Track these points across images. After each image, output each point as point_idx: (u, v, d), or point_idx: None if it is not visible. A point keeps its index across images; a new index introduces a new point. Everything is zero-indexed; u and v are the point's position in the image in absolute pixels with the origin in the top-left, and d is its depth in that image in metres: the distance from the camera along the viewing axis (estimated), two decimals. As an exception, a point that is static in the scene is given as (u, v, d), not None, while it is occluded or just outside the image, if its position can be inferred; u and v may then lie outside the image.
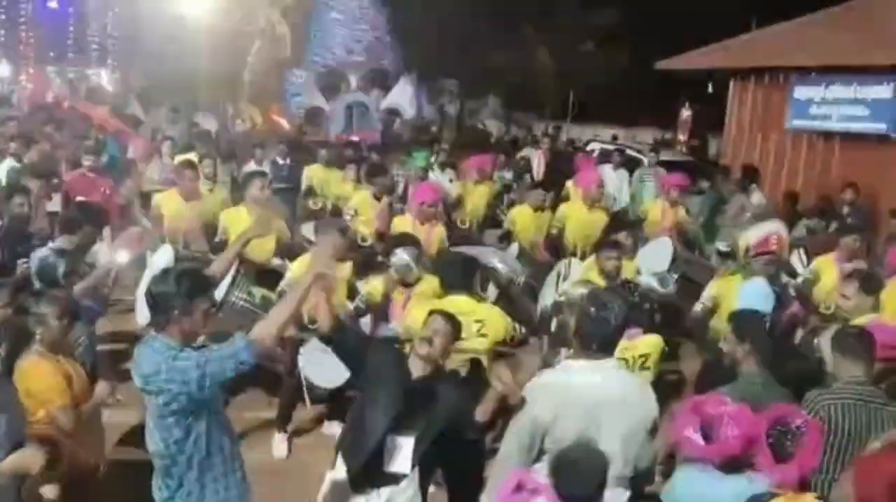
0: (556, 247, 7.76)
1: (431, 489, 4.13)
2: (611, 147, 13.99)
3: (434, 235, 6.76)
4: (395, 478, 3.45)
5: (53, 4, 27.20)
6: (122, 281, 5.65)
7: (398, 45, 17.19)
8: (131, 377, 3.04)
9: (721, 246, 8.48)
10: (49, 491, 3.47)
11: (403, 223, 6.93)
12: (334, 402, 5.48)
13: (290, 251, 6.31)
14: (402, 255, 5.21)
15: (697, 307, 5.71)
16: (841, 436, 3.44)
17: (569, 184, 9.37)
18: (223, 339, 3.03)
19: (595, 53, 25.22)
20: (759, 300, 5.21)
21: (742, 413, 2.81)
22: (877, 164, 10.06)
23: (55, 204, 7.38)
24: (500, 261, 6.54)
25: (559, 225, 7.76)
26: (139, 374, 2.94)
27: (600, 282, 5.29)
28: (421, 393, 3.50)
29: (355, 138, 14.59)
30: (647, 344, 4.58)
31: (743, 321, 3.94)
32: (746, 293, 5.38)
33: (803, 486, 2.73)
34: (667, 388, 5.81)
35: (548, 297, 5.95)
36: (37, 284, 4.48)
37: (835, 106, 10.62)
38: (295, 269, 5.35)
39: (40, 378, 3.61)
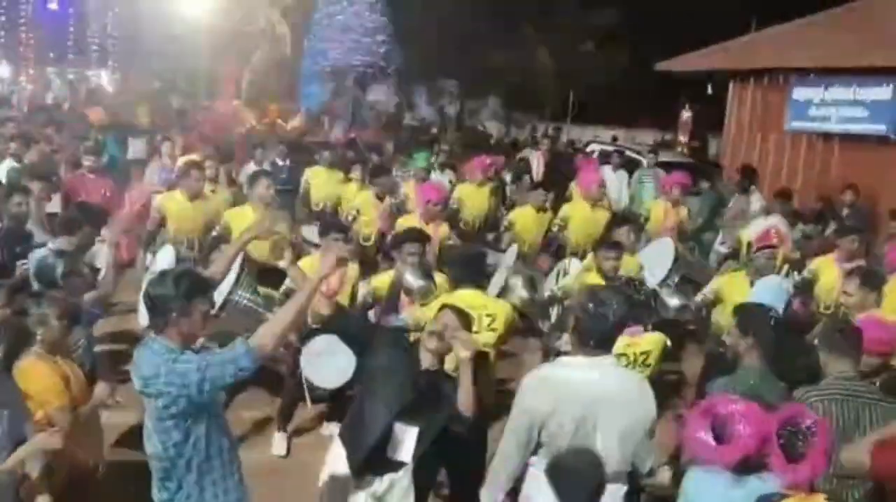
0: (558, 247, 7.77)
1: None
2: (610, 148, 14.00)
3: (439, 235, 6.76)
4: (396, 466, 3.48)
5: (53, 5, 27.18)
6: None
7: (398, 46, 17.19)
8: (130, 378, 3.03)
9: (722, 247, 8.52)
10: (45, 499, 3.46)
11: (409, 223, 6.92)
12: (334, 402, 5.49)
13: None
14: (420, 284, 5.09)
15: (698, 298, 5.72)
16: None
17: (572, 184, 9.40)
18: (226, 339, 3.03)
19: (595, 54, 25.19)
20: (773, 296, 5.21)
21: (752, 409, 2.79)
22: (876, 166, 10.07)
23: (55, 205, 7.37)
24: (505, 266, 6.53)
25: (562, 223, 7.77)
26: (138, 376, 2.93)
27: (599, 281, 5.30)
28: (427, 386, 3.54)
29: (351, 135, 14.60)
30: (649, 341, 4.59)
31: (748, 315, 3.96)
32: (760, 288, 5.39)
33: (812, 487, 2.73)
34: (667, 387, 5.83)
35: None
36: (35, 285, 4.48)
37: (834, 107, 10.64)
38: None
39: (38, 379, 3.60)
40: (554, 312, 5.68)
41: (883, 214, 9.04)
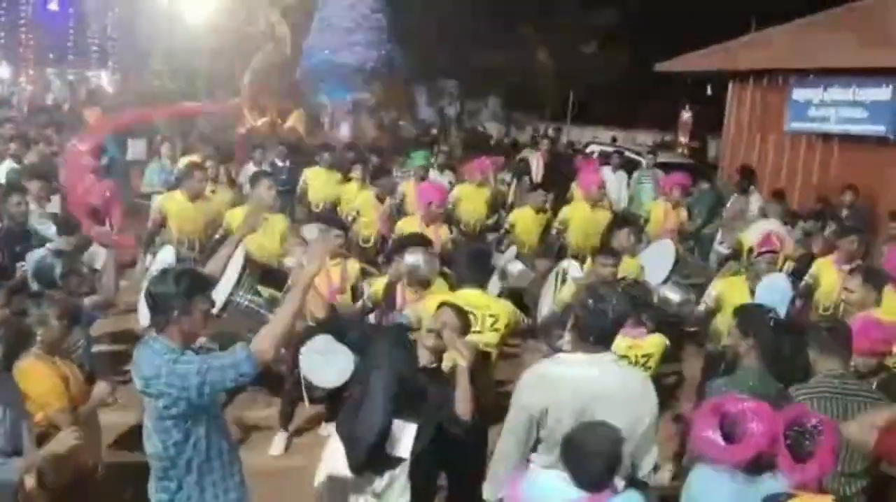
0: (560, 248, 7.77)
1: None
2: (610, 149, 14.02)
3: (440, 236, 6.75)
4: (394, 462, 3.48)
5: (53, 6, 27.23)
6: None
7: (398, 46, 17.19)
8: (130, 378, 3.03)
9: (722, 248, 8.53)
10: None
11: (410, 224, 6.92)
12: (332, 403, 5.48)
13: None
14: (417, 256, 5.13)
15: (700, 307, 5.71)
16: None
17: (573, 185, 9.40)
18: (228, 340, 3.02)
19: (595, 54, 25.18)
20: (777, 295, 5.21)
21: (763, 408, 2.79)
22: (875, 166, 10.07)
23: (54, 206, 7.37)
24: (505, 261, 6.54)
25: (562, 226, 7.77)
26: (139, 376, 2.92)
27: None
28: (426, 383, 3.54)
29: (344, 139, 14.61)
30: (651, 343, 4.60)
31: (748, 316, 3.96)
32: (764, 288, 5.39)
33: (821, 487, 2.72)
34: (666, 388, 5.83)
35: (546, 304, 5.95)
36: (34, 285, 4.48)
37: (833, 108, 10.63)
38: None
39: (39, 380, 3.60)
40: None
41: (882, 215, 9.03)
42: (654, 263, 6.23)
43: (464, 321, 3.71)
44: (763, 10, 16.04)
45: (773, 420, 2.74)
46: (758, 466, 2.74)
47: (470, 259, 4.91)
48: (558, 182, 9.85)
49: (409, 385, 3.50)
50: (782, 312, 4.93)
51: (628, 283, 5.14)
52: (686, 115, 22.49)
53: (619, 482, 2.85)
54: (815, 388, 3.58)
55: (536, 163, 12.09)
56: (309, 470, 4.02)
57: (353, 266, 5.68)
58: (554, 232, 7.81)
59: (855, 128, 10.39)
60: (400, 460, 3.51)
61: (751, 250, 6.06)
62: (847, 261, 6.06)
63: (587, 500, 2.76)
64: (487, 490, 3.31)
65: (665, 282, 5.89)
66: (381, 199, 7.93)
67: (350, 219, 7.78)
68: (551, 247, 7.97)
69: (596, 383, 3.09)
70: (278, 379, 5.56)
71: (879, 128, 10.00)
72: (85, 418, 3.72)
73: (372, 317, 5.30)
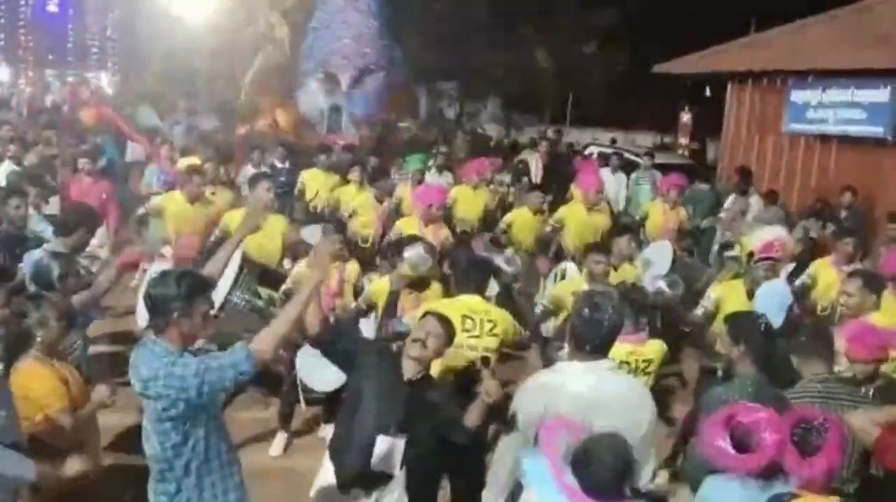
0: (557, 249, 7.76)
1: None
2: (609, 150, 14.04)
3: (440, 238, 6.74)
4: (383, 479, 3.45)
5: (53, 8, 27.26)
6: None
7: (398, 47, 17.17)
8: (128, 380, 3.02)
9: (729, 250, 8.50)
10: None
11: (409, 226, 6.92)
12: (330, 405, 5.49)
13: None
14: (417, 250, 5.15)
15: (699, 310, 5.72)
16: None
17: (573, 187, 9.40)
18: (225, 339, 3.01)
19: (595, 54, 25.15)
20: (776, 300, 5.21)
21: (773, 416, 2.80)
22: (874, 168, 10.09)
23: (53, 208, 7.38)
24: (504, 261, 6.54)
25: (557, 225, 7.77)
26: (137, 378, 2.91)
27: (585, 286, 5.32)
28: (412, 395, 3.48)
29: (341, 141, 14.60)
30: (651, 349, 4.60)
31: (738, 323, 3.96)
32: (764, 293, 5.39)
33: (829, 487, 2.72)
34: (665, 392, 5.84)
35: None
36: (32, 287, 4.48)
37: (832, 109, 10.64)
38: (301, 271, 5.37)
39: (39, 382, 3.60)
40: (550, 325, 5.67)
41: (880, 216, 9.05)
42: (651, 263, 6.24)
43: (448, 329, 3.65)
44: (763, 10, 16.06)
45: (783, 427, 2.75)
46: (769, 472, 2.75)
47: (469, 267, 4.92)
48: (558, 183, 9.87)
49: (394, 399, 3.44)
50: (781, 318, 4.94)
51: (626, 288, 5.15)
52: (686, 117, 22.47)
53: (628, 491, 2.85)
54: (800, 392, 3.61)
55: (535, 165, 12.11)
56: (307, 471, 4.01)
57: (353, 267, 5.69)
58: (548, 229, 7.80)
59: (853, 130, 10.40)
60: (389, 477, 3.44)
61: (751, 254, 6.05)
62: (845, 263, 6.07)
63: None
64: (487, 499, 3.31)
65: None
66: (379, 200, 7.95)
67: (347, 215, 7.79)
68: (545, 243, 7.95)
69: (593, 392, 3.10)
70: (277, 379, 5.57)
71: (877, 130, 10.01)
72: (84, 420, 3.73)
73: (368, 322, 5.30)
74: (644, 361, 4.53)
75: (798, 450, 2.71)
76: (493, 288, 5.92)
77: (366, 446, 3.39)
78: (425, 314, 3.78)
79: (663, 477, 4.97)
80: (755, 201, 9.48)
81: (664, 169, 11.14)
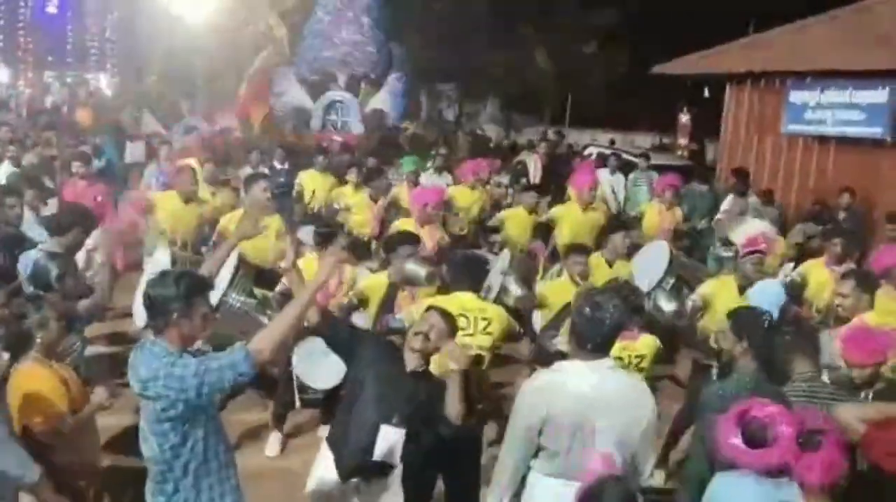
0: (554, 249, 7.77)
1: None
2: (608, 151, 14.05)
3: (436, 239, 6.75)
4: (384, 470, 3.47)
5: (52, 9, 27.25)
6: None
7: (397, 47, 17.17)
8: (124, 381, 3.02)
9: (722, 250, 8.52)
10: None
11: (406, 226, 6.91)
12: (328, 406, 5.48)
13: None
14: (412, 266, 5.12)
15: (688, 303, 5.74)
16: None
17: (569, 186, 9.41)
18: (220, 340, 3.00)
19: (595, 54, 25.16)
20: (770, 299, 5.21)
21: (786, 410, 2.80)
22: (872, 168, 10.09)
23: (51, 210, 7.39)
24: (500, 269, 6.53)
25: (550, 222, 7.79)
26: (136, 379, 2.89)
27: (569, 286, 5.35)
28: (414, 388, 3.52)
29: (337, 138, 14.59)
30: (644, 344, 4.62)
31: (741, 319, 3.96)
32: (757, 292, 5.39)
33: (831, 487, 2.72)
34: (656, 390, 5.82)
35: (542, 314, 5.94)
36: (30, 288, 4.48)
37: (830, 110, 10.64)
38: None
39: (39, 383, 3.59)
40: (537, 316, 5.69)
41: (879, 217, 9.05)
42: (648, 264, 6.23)
43: (451, 324, 3.69)
44: (763, 10, 16.06)
45: (796, 422, 2.75)
46: (780, 469, 2.74)
47: (464, 264, 4.93)
48: (556, 184, 9.87)
49: (397, 390, 3.48)
50: (775, 315, 4.94)
51: (619, 285, 5.16)
52: (684, 118, 22.47)
53: None
54: (786, 391, 3.61)
55: (534, 166, 12.13)
56: (303, 472, 4.02)
57: (351, 269, 5.68)
58: (543, 218, 7.82)
59: (851, 131, 10.41)
60: (390, 467, 3.49)
61: (737, 251, 6.07)
62: (837, 263, 6.07)
63: None
64: (491, 500, 3.32)
65: (659, 283, 5.89)
66: (374, 199, 7.97)
67: (337, 207, 7.87)
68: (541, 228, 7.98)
69: (595, 391, 3.10)
70: (273, 381, 5.56)
71: (876, 131, 10.01)
72: (84, 422, 3.73)
73: (360, 316, 5.30)
74: (637, 356, 4.56)
75: (802, 449, 2.70)
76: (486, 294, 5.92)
77: (367, 436, 3.42)
78: (429, 308, 3.82)
79: (659, 477, 4.99)
80: (753, 202, 9.48)
81: (661, 170, 11.16)
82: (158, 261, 5.60)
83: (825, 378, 3.89)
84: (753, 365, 3.74)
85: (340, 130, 15.50)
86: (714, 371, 4.94)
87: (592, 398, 3.09)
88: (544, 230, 7.91)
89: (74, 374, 3.93)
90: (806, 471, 2.65)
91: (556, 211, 7.97)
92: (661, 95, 20.55)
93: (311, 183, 9.07)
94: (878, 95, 9.97)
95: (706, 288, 5.69)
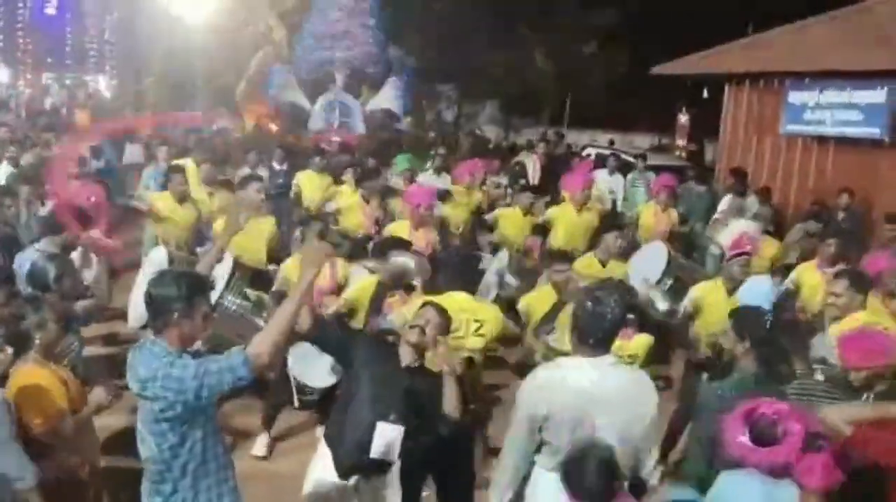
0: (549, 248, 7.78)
1: (425, 492, 4.16)
2: (606, 152, 14.05)
3: (428, 240, 6.69)
4: (382, 467, 3.47)
5: (51, 10, 27.24)
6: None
7: (396, 47, 17.17)
8: (123, 382, 3.00)
9: (717, 250, 8.52)
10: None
11: (400, 229, 6.89)
12: (325, 407, 5.47)
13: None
14: (402, 258, 5.14)
15: (680, 309, 5.73)
16: None
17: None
18: (216, 342, 2.99)
19: (595, 54, 25.14)
20: (760, 298, 5.21)
21: (793, 407, 2.80)
22: (871, 169, 10.09)
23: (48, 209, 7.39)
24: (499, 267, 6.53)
25: (546, 224, 7.77)
26: (135, 379, 2.89)
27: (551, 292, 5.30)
28: (410, 383, 3.53)
29: (336, 138, 14.58)
30: (637, 344, 4.63)
31: (744, 319, 3.96)
32: (747, 291, 5.38)
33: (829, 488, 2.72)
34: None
35: None
36: (28, 289, 4.48)
37: (829, 110, 10.64)
38: (287, 269, 5.39)
39: (39, 384, 3.58)
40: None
41: (878, 217, 9.04)
42: (646, 265, 6.24)
43: (445, 319, 3.71)
44: (763, 11, 16.07)
45: (803, 419, 2.76)
46: (784, 469, 2.75)
47: (458, 264, 4.93)
48: (555, 185, 9.84)
49: (392, 387, 3.49)
50: None
51: (613, 283, 5.15)
52: (683, 118, 22.48)
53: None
54: None
55: (533, 167, 12.12)
56: (292, 475, 4.02)
57: (344, 265, 5.68)
58: (541, 219, 7.80)
59: (850, 131, 10.40)
60: (388, 464, 3.50)
61: (723, 254, 6.06)
62: (829, 265, 6.04)
63: None
64: (494, 496, 3.32)
65: (657, 283, 5.89)
66: (366, 200, 7.96)
67: (333, 209, 7.89)
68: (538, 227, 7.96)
69: (595, 386, 3.11)
70: (265, 383, 5.54)
71: (874, 131, 10.00)
72: (83, 422, 3.73)
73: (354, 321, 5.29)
74: (630, 356, 4.56)
75: (801, 447, 2.71)
76: (483, 293, 5.91)
77: (364, 433, 3.43)
78: (424, 304, 3.83)
79: (656, 474, 4.97)
80: (752, 202, 9.48)
81: (658, 171, 11.15)
82: (154, 259, 5.59)
83: (819, 376, 3.89)
84: (755, 364, 3.74)
85: (341, 130, 15.50)
86: (705, 374, 4.93)
87: (592, 394, 3.09)
88: (542, 232, 7.90)
89: (72, 375, 3.93)
90: (806, 473, 2.65)
91: (551, 212, 7.97)
92: (660, 96, 20.56)
93: (309, 183, 9.06)
94: (877, 96, 9.97)
95: (695, 292, 5.65)
